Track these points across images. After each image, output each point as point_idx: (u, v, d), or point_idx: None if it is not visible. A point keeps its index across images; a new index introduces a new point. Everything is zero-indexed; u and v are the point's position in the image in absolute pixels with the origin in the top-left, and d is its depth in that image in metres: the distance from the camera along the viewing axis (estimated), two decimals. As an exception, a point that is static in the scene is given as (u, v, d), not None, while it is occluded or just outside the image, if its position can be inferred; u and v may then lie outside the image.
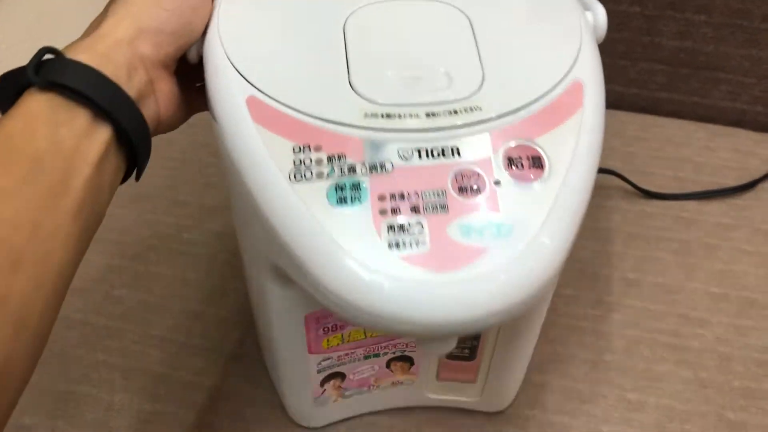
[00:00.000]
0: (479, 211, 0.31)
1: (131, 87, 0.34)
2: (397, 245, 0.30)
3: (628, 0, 0.72)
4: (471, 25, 0.37)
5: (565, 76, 0.35)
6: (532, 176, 0.32)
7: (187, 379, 0.52)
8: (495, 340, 0.44)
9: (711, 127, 0.74)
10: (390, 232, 0.30)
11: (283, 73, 0.35)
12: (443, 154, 0.32)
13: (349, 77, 0.35)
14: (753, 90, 0.74)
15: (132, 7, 0.35)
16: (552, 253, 0.31)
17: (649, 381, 0.51)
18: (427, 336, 0.33)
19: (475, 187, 0.31)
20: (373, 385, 0.47)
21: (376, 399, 0.49)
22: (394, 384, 0.47)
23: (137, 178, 0.36)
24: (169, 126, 0.38)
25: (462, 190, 0.31)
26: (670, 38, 0.73)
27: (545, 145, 0.33)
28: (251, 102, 0.34)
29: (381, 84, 0.34)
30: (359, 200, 0.31)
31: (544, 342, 0.53)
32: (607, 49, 0.77)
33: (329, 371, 0.45)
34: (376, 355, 0.45)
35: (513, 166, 0.32)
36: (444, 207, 0.31)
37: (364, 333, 0.43)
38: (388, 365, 0.46)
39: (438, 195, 0.31)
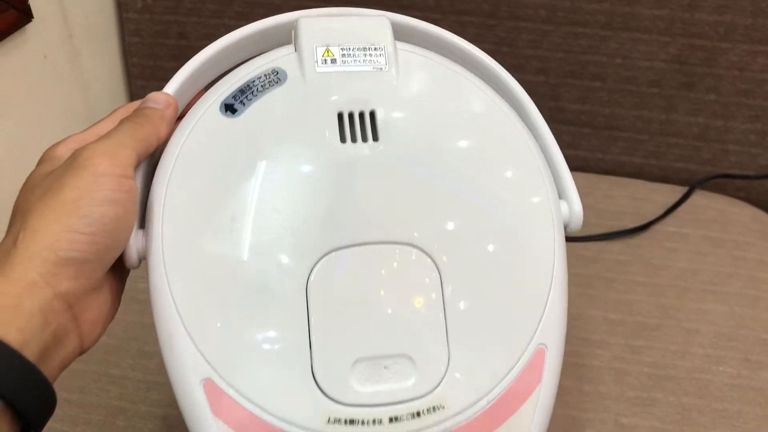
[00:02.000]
0: None
1: (42, 339, 0.30)
2: None
3: (533, 70, 0.82)
4: (441, 281, 0.35)
5: (529, 344, 0.35)
6: None
7: (144, 410, 0.57)
8: None
9: (612, 178, 0.83)
10: None
11: (243, 354, 0.33)
12: None
13: (312, 369, 0.33)
14: (646, 146, 0.84)
15: (44, 237, 0.30)
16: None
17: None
18: None
19: None
20: None
21: None
22: None
23: None
24: (97, 338, 0.35)
25: None
26: (571, 102, 0.83)
27: None
28: (209, 387, 0.33)
29: (345, 378, 0.33)
30: None
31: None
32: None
33: None
34: None
35: None
36: None
37: None
38: None
39: None
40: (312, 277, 0.34)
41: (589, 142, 0.85)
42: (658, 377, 0.59)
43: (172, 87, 0.40)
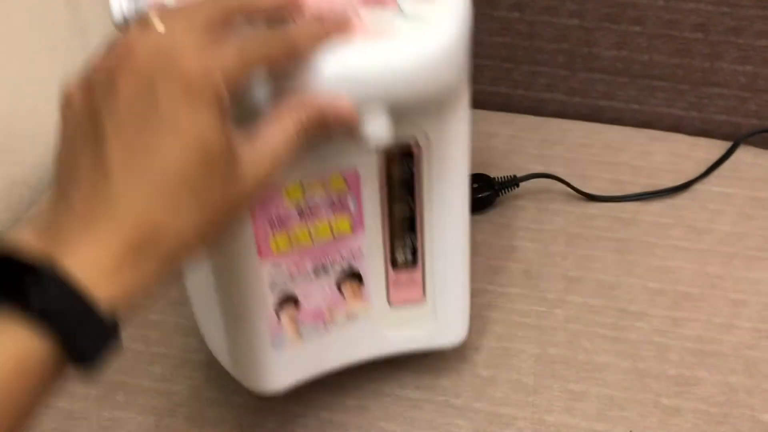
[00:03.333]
0: None
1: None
2: None
3: (567, 12, 0.75)
4: None
5: None
6: None
7: (146, 385, 0.53)
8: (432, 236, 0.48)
9: (649, 132, 0.77)
10: None
11: None
12: None
13: None
14: (687, 96, 0.78)
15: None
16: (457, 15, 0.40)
17: (590, 372, 0.54)
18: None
19: None
20: (328, 319, 0.48)
21: (334, 344, 0.49)
22: (348, 317, 0.49)
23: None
24: None
25: None
26: (607, 48, 0.77)
27: None
28: None
29: None
30: None
31: (491, 338, 0.56)
32: (548, 59, 0.80)
33: (282, 291, 0.46)
34: (325, 271, 0.47)
35: None
36: None
37: (310, 236, 0.45)
38: (339, 288, 0.48)
39: None
40: None
41: (625, 92, 0.78)
42: (701, 353, 0.55)
43: None
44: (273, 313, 0.46)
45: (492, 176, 0.67)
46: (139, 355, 0.55)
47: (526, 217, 0.66)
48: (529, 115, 0.80)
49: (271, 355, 0.47)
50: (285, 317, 0.47)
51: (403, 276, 0.49)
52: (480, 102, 0.83)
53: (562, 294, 0.59)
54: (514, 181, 0.67)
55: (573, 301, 0.59)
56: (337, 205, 0.45)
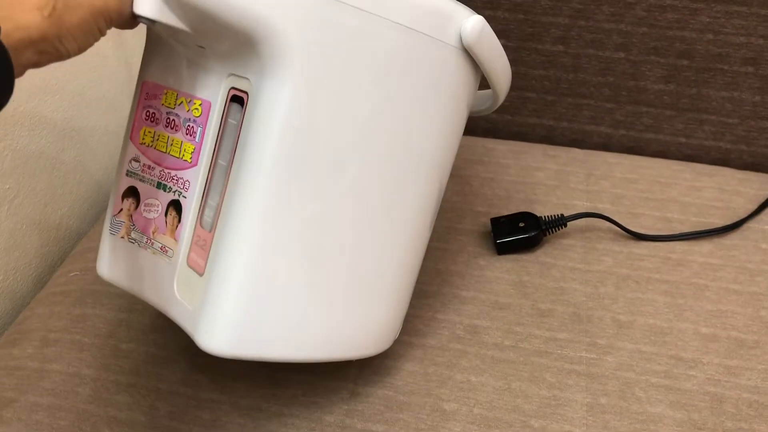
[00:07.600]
0: None
1: None
2: None
3: (613, 46, 0.74)
4: None
5: None
6: None
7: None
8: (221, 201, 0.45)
9: (696, 166, 0.76)
10: None
11: None
12: None
13: None
14: (736, 130, 0.76)
15: None
16: None
17: (643, 423, 0.53)
18: None
19: None
20: (150, 237, 0.48)
21: (144, 271, 0.48)
22: (162, 250, 0.47)
23: None
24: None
25: None
26: (654, 82, 0.76)
27: None
28: None
29: None
30: None
31: (543, 386, 0.55)
32: (592, 92, 0.79)
33: (132, 179, 0.49)
34: (164, 188, 0.48)
35: None
36: None
37: (166, 144, 0.48)
38: (166, 211, 0.48)
39: None
40: None
41: (672, 126, 0.77)
42: (759, 405, 0.53)
43: None
44: (120, 197, 0.50)
45: (538, 215, 0.67)
46: (189, 400, 0.55)
47: (574, 257, 0.65)
48: (573, 148, 0.79)
49: (107, 238, 0.51)
50: (126, 208, 0.50)
51: (204, 238, 0.45)
52: (523, 134, 0.83)
53: (612, 339, 0.58)
54: (561, 221, 0.66)
55: (624, 348, 0.58)
56: (189, 130, 0.47)
